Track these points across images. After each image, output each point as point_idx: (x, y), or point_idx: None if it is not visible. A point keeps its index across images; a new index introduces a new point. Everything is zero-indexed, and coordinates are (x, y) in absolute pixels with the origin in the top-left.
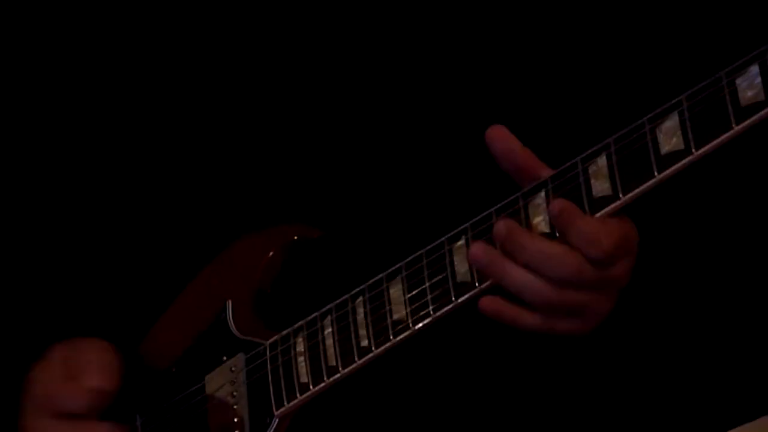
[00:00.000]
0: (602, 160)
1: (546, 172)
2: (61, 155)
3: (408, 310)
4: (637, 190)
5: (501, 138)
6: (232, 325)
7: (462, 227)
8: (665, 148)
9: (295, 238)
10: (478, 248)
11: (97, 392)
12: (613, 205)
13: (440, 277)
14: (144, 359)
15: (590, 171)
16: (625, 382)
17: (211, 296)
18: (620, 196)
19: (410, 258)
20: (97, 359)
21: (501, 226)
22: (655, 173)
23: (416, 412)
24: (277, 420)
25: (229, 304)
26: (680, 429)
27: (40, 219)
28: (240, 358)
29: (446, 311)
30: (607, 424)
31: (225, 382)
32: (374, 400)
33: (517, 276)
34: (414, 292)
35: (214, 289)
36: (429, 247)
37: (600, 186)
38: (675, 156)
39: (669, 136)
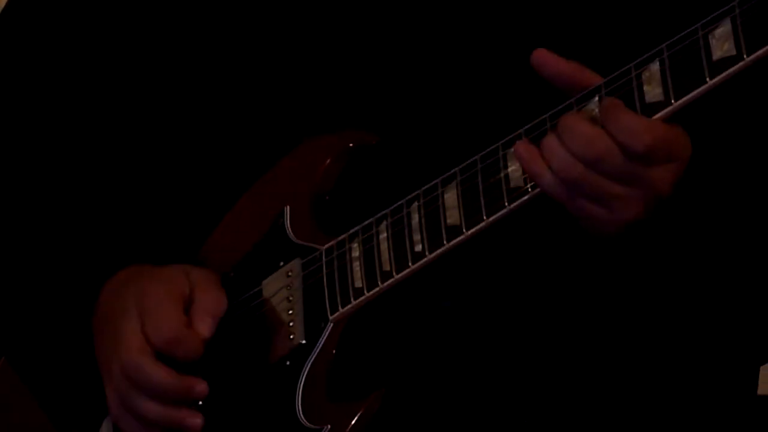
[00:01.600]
0: (655, 66)
1: (598, 80)
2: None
3: (462, 214)
4: (688, 96)
5: (545, 61)
6: (290, 230)
7: (516, 132)
8: (717, 53)
9: (354, 144)
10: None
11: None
12: (665, 111)
13: (494, 181)
14: (204, 265)
15: (643, 77)
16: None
17: (269, 202)
18: (672, 101)
19: (465, 163)
20: (210, 297)
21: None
22: (707, 79)
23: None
24: (331, 325)
25: (287, 209)
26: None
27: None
28: (296, 263)
29: (498, 216)
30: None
31: (282, 287)
32: (423, 314)
33: (550, 146)
34: (468, 197)
35: (272, 195)
36: (484, 152)
37: (652, 91)
38: (727, 62)
39: (721, 41)
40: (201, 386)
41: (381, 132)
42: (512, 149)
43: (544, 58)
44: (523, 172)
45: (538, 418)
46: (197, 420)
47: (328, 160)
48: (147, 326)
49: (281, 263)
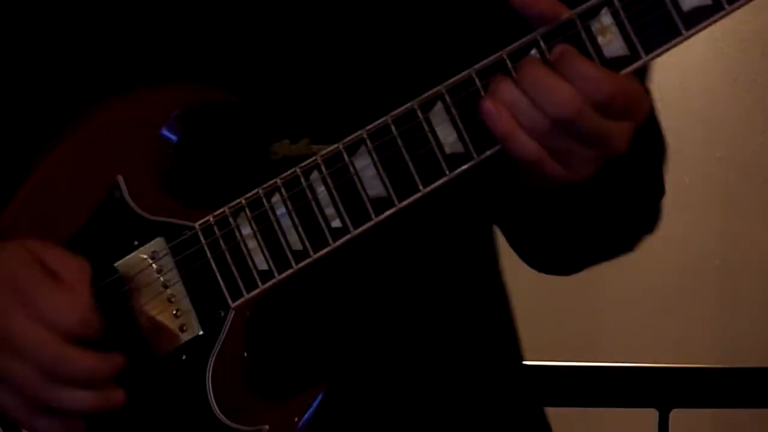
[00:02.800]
0: (607, 18)
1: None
2: None
3: (388, 185)
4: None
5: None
6: (133, 204)
7: (435, 91)
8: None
9: (201, 101)
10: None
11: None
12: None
13: (424, 148)
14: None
15: (594, 28)
16: None
17: (91, 169)
18: (642, 56)
19: (372, 128)
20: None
21: (556, 51)
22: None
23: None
24: (233, 312)
25: (121, 180)
26: None
27: None
28: (160, 243)
29: (438, 185)
30: None
31: (145, 271)
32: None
33: (518, 103)
34: (392, 166)
35: (93, 160)
36: (397, 114)
37: (611, 45)
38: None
39: None
40: (119, 358)
41: (232, 90)
42: (435, 109)
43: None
44: (459, 137)
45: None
46: (121, 392)
47: (167, 120)
48: (46, 315)
49: (135, 243)
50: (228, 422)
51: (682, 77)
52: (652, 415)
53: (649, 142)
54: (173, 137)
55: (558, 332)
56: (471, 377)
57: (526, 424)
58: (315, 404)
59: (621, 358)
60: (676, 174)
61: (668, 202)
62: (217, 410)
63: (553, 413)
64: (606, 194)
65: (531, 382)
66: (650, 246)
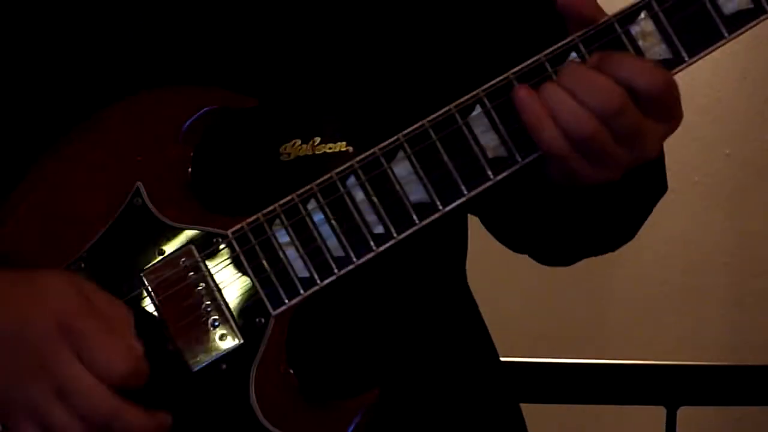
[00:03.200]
0: (648, 24)
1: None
2: None
3: (431, 190)
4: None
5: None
6: (156, 211)
7: (474, 95)
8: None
9: (224, 104)
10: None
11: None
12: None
13: (466, 153)
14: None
15: (633, 31)
16: None
17: (108, 175)
18: (685, 58)
19: (412, 133)
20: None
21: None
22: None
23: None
24: (273, 320)
25: (141, 186)
26: None
27: None
28: (191, 251)
29: (482, 189)
30: None
31: (177, 280)
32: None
33: (558, 97)
34: (433, 172)
35: (108, 165)
36: (435, 119)
37: (652, 48)
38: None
39: None
40: (168, 417)
41: (254, 92)
42: (474, 114)
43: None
44: (501, 141)
45: None
46: None
47: (188, 121)
48: (99, 363)
49: (162, 251)
50: (274, 430)
51: (691, 74)
52: (660, 412)
53: None
54: (193, 140)
55: (566, 329)
56: (449, 376)
57: (502, 420)
58: (364, 412)
59: (629, 355)
60: (684, 171)
61: (676, 200)
62: (263, 418)
63: (562, 410)
64: (618, 193)
65: (508, 379)
66: (658, 243)
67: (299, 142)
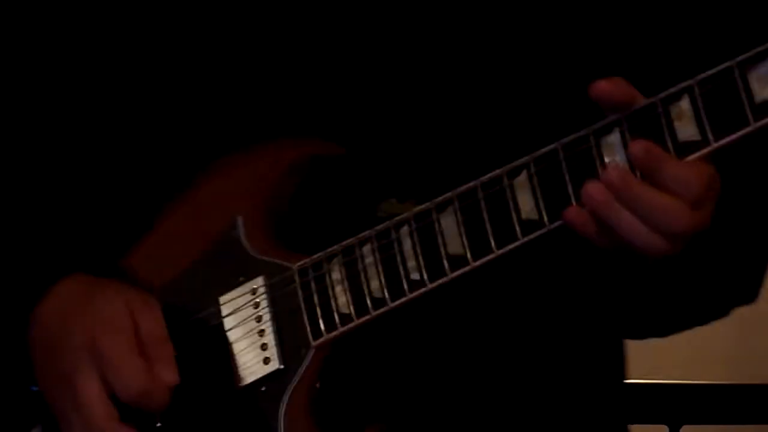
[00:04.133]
0: (685, 103)
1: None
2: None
3: (466, 244)
4: (730, 137)
5: (605, 92)
6: (246, 243)
7: (523, 161)
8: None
9: (318, 153)
10: (597, 189)
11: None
12: (702, 152)
13: (502, 212)
14: (134, 274)
15: (672, 113)
16: None
17: (216, 210)
18: (711, 142)
19: (463, 190)
20: (161, 336)
21: (640, 150)
22: (751, 121)
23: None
24: (313, 351)
25: (240, 220)
26: None
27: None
28: (262, 281)
29: (511, 248)
30: None
31: (245, 305)
32: (416, 338)
33: (631, 225)
34: (472, 226)
35: (219, 202)
36: (485, 179)
37: (685, 130)
38: None
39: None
40: None
41: (345, 144)
42: (519, 178)
43: (604, 90)
44: (536, 206)
45: None
46: None
47: (288, 168)
48: (111, 383)
49: (241, 279)
50: None
51: None
52: (662, 431)
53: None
54: (292, 185)
55: None
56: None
57: None
58: None
59: (631, 374)
60: None
61: None
62: None
63: None
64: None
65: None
66: None
67: (395, 201)
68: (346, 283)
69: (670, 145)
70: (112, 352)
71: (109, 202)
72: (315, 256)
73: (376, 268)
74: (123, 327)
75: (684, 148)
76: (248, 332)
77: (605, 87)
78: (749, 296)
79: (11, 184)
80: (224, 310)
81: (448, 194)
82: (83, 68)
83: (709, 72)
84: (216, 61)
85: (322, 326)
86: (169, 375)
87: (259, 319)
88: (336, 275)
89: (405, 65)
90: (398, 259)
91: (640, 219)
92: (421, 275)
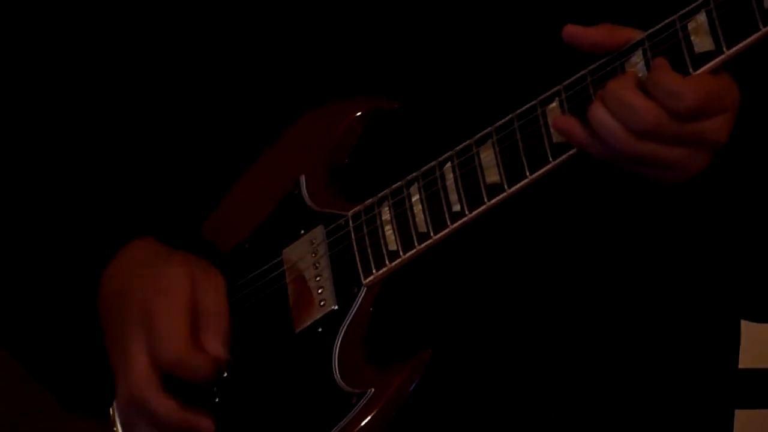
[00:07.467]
0: (702, 17)
1: (637, 34)
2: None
3: (502, 172)
4: (741, 44)
5: (576, 37)
6: (308, 198)
7: (555, 89)
8: None
9: (373, 108)
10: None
11: (217, 365)
12: (716, 60)
13: (535, 138)
14: (211, 238)
15: (689, 27)
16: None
17: (281, 171)
18: (724, 50)
19: (500, 123)
20: (217, 310)
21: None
22: (761, 26)
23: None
24: (365, 289)
25: (303, 179)
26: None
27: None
28: (320, 230)
29: (543, 172)
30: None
31: (305, 255)
32: (460, 273)
33: (598, 117)
34: (508, 155)
35: (284, 164)
36: (520, 110)
37: (701, 42)
38: None
39: None
40: (206, 423)
41: (399, 97)
42: (551, 105)
43: (573, 34)
44: None
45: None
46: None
47: (345, 124)
48: (154, 348)
49: (302, 231)
50: (344, 386)
51: None
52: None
53: None
54: (354, 138)
55: None
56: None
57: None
58: (417, 370)
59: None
60: None
61: None
62: (338, 376)
63: None
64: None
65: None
66: None
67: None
68: (394, 222)
69: (687, 59)
70: (160, 319)
71: (189, 171)
72: (367, 201)
73: (422, 204)
74: (178, 297)
75: (700, 60)
76: (306, 279)
77: (573, 31)
78: None
79: (91, 152)
80: (285, 261)
81: (488, 130)
82: (161, 45)
83: None
84: (276, 29)
85: (372, 265)
86: (216, 347)
87: (317, 265)
88: (386, 216)
89: (449, 27)
90: (441, 194)
91: (611, 113)
92: (462, 206)
